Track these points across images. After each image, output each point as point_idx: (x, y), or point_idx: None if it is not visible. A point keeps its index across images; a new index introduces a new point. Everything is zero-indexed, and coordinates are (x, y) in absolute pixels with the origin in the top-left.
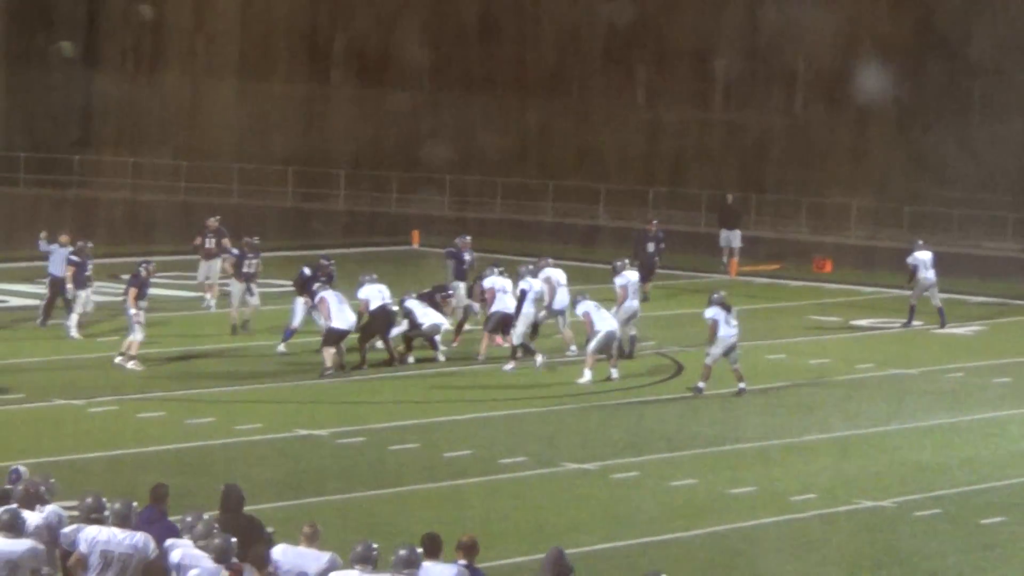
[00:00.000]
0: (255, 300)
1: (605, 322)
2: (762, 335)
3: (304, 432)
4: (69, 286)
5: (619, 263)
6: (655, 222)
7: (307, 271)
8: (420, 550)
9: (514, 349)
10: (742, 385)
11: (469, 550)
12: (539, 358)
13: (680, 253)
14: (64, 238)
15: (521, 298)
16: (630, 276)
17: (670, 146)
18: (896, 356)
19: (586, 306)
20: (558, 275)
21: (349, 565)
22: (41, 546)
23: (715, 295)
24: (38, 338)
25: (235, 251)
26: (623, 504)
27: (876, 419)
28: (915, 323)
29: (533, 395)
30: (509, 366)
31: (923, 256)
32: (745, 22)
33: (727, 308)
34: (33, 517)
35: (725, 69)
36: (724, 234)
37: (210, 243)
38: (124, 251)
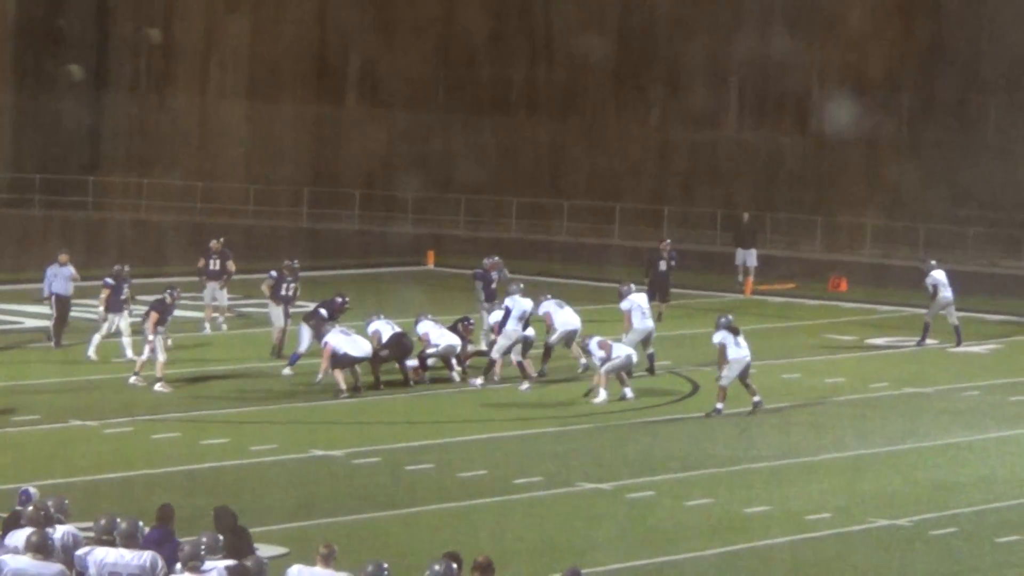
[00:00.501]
0: (284, 323)
1: (567, 321)
2: (777, 354)
3: (319, 453)
4: (100, 308)
5: (624, 287)
6: (668, 242)
7: (324, 312)
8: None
9: (490, 363)
10: (757, 399)
11: (485, 570)
12: (525, 384)
13: (694, 272)
14: (63, 257)
15: (505, 315)
16: (636, 299)
17: (682, 166)
18: (911, 375)
19: (547, 305)
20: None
21: None
22: (68, 572)
23: (722, 319)
24: (52, 360)
25: (273, 273)
26: (638, 524)
27: (891, 438)
28: (929, 341)
29: (547, 415)
30: (478, 382)
31: (939, 275)
32: (757, 43)
33: (735, 331)
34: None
35: (736, 90)
36: (740, 253)
37: (214, 264)
38: (135, 273)
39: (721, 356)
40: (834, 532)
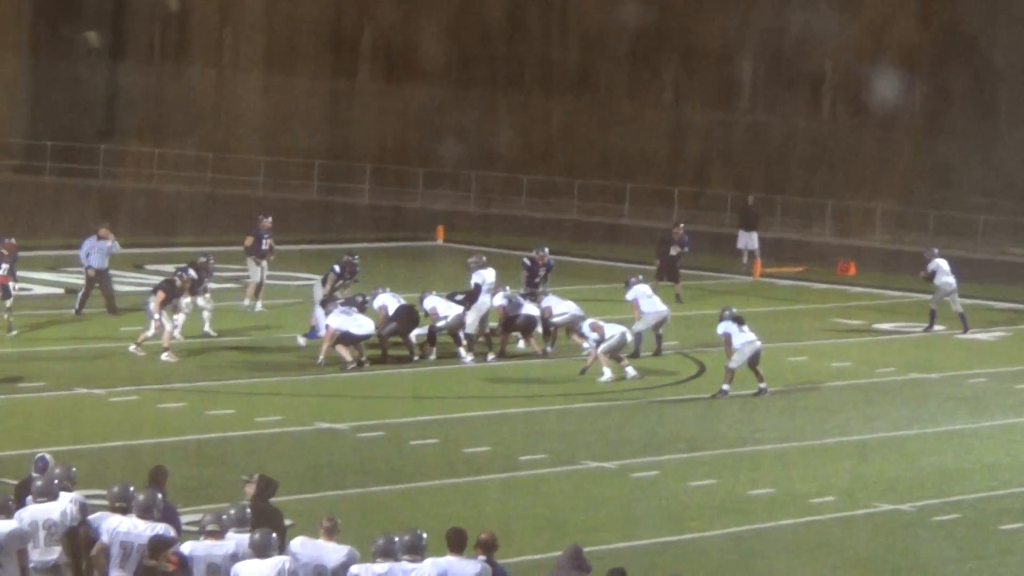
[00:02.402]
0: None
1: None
2: (784, 337)
3: (324, 425)
4: (187, 298)
5: (632, 279)
6: (681, 226)
7: (337, 268)
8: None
9: (469, 340)
10: (763, 385)
11: (488, 547)
12: (490, 356)
13: (704, 254)
14: (103, 231)
15: (476, 291)
16: (640, 290)
17: (695, 147)
18: (918, 360)
19: (501, 298)
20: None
21: (372, 558)
22: (27, 528)
23: (726, 311)
24: (64, 328)
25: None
26: (642, 503)
27: (896, 423)
28: (937, 327)
29: (553, 392)
30: (468, 358)
31: (942, 263)
32: (771, 24)
33: (739, 321)
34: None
35: (751, 71)
36: (742, 236)
37: (265, 244)
38: (147, 242)
39: (728, 345)
40: (838, 516)
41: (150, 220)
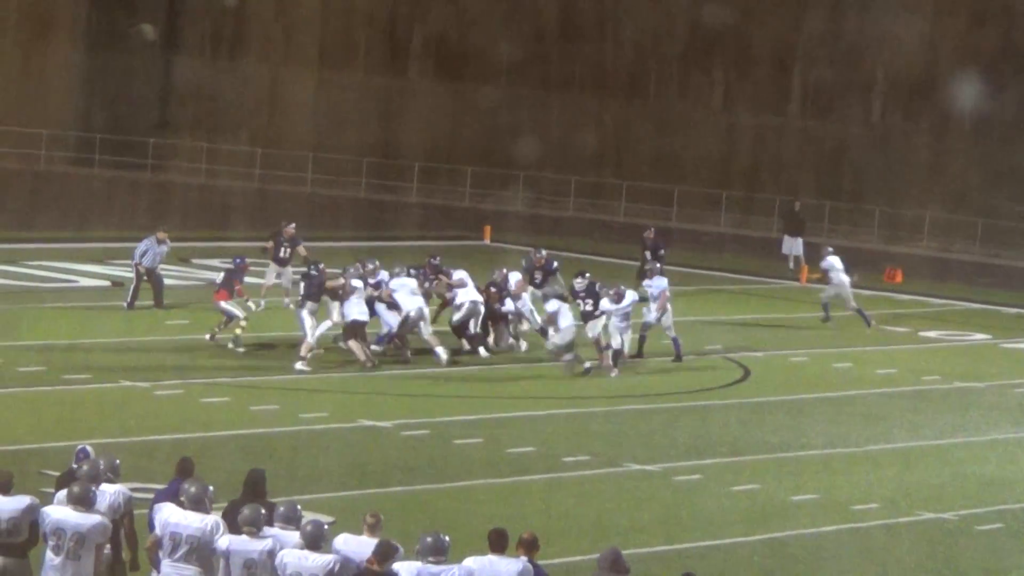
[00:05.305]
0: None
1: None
2: (830, 343)
3: (368, 423)
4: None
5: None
6: (652, 229)
7: (413, 271)
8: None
9: (391, 338)
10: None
11: (530, 546)
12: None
13: (751, 258)
14: (162, 234)
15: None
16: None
17: (746, 151)
18: (964, 369)
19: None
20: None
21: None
22: (108, 522)
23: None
24: (107, 319)
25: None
26: (684, 507)
27: (941, 431)
28: (979, 336)
29: (597, 394)
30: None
31: (834, 260)
32: (826, 30)
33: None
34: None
35: (804, 76)
36: (787, 241)
37: (285, 252)
38: (198, 236)
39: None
40: (880, 523)
41: (201, 214)
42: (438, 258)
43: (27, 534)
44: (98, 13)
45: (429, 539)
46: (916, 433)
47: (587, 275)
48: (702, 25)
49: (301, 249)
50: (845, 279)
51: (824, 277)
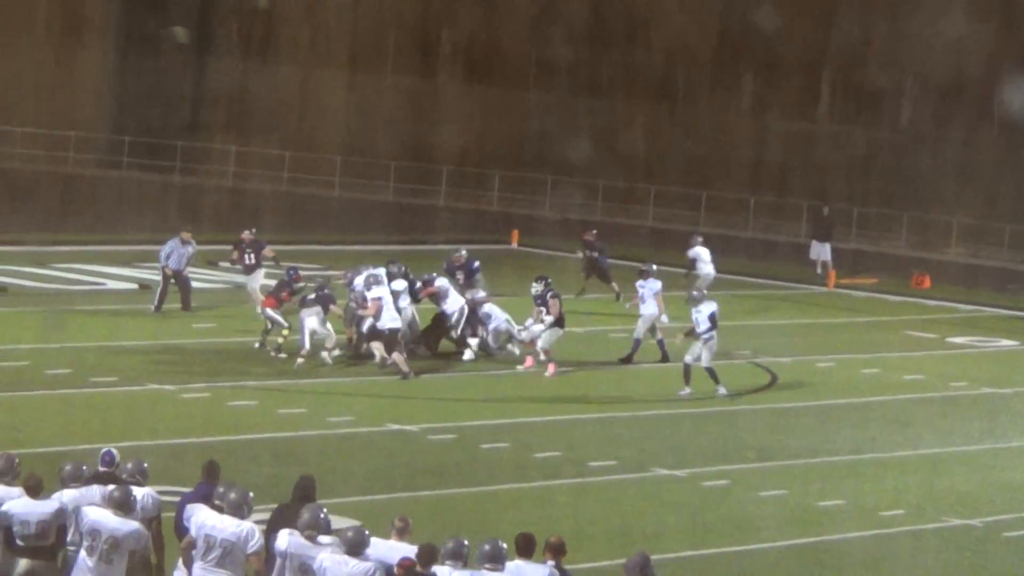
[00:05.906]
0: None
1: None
2: (858, 348)
3: (396, 427)
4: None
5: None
6: (594, 232)
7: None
8: (501, 547)
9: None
10: None
11: (557, 551)
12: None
13: (780, 263)
14: (186, 235)
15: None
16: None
17: (775, 156)
18: (991, 375)
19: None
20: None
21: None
22: (145, 531)
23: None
24: (135, 322)
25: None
26: (711, 512)
27: (968, 437)
28: (1007, 342)
29: (624, 399)
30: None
31: (703, 251)
32: (856, 35)
33: None
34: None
35: (833, 81)
36: (815, 246)
37: (249, 259)
38: (229, 239)
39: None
40: (907, 529)
41: (231, 217)
42: (476, 262)
43: (55, 537)
44: (129, 15)
45: (487, 547)
46: (943, 439)
47: (547, 280)
48: (732, 30)
49: (268, 251)
50: (712, 272)
51: (692, 269)
